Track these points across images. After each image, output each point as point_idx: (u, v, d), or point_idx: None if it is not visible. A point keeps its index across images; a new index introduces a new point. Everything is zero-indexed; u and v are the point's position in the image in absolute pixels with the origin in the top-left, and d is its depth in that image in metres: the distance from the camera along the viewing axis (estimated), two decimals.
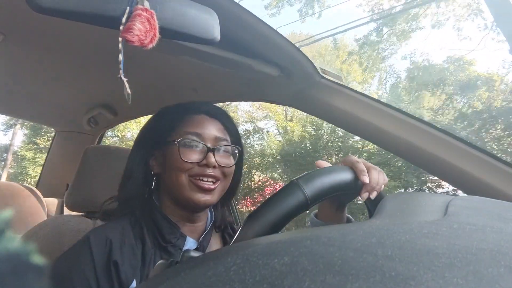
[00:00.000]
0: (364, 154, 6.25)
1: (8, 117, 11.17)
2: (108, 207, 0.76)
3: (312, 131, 7.50)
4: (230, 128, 0.76)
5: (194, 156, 0.68)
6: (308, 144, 7.30)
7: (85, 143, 1.64)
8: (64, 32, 0.82)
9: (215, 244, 0.76)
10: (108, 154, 1.01)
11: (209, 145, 0.69)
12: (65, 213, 1.43)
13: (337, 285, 0.18)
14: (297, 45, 0.84)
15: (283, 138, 8.38)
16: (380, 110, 0.84)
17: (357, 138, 6.85)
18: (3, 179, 10.30)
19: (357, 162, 0.56)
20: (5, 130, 12.19)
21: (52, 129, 1.89)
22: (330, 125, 7.35)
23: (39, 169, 9.78)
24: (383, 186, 0.58)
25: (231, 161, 0.72)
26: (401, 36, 9.32)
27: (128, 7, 0.40)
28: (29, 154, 10.47)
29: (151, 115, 0.80)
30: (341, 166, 0.56)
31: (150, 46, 0.41)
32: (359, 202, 0.59)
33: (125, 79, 0.42)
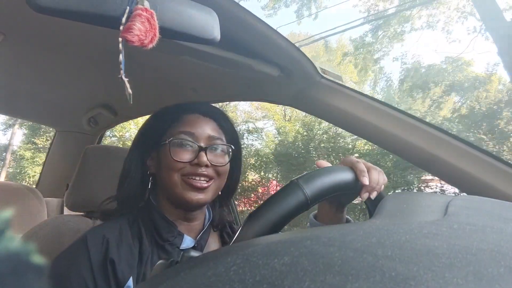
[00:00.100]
0: (355, 154, 6.28)
1: (7, 117, 11.18)
2: (107, 207, 0.77)
3: (304, 132, 7.53)
4: (226, 127, 0.76)
5: (185, 156, 0.68)
6: (300, 145, 7.34)
7: (85, 143, 1.64)
8: (64, 32, 0.82)
9: (213, 243, 0.77)
10: (108, 154, 1.01)
11: (202, 144, 0.69)
12: (65, 213, 1.43)
13: (337, 285, 0.18)
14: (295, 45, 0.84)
15: (280, 138, 8.39)
16: (380, 110, 0.84)
17: (347, 139, 6.92)
18: (2, 178, 10.30)
19: (357, 162, 0.56)
20: (4, 130, 12.21)
21: (51, 129, 1.90)
22: (322, 126, 7.44)
23: (37, 169, 9.81)
24: (383, 186, 0.58)
25: (225, 160, 0.72)
26: (393, 38, 9.31)
27: (128, 7, 0.40)
28: (28, 154, 10.47)
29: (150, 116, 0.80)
30: (341, 166, 0.56)
31: (150, 46, 0.41)
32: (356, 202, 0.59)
33: (125, 79, 0.42)
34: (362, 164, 0.56)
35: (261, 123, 10.49)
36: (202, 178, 0.69)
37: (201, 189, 0.68)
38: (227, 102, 7.70)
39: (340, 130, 7.22)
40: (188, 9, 0.46)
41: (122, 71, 0.41)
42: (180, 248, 0.69)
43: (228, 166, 0.74)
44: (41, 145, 10.56)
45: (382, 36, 9.19)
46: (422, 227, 0.27)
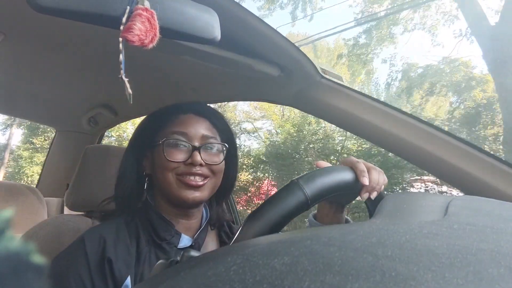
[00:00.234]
0: (344, 155, 6.33)
1: (5, 117, 11.21)
2: (106, 207, 0.77)
3: (294, 133, 7.59)
4: (219, 126, 0.76)
5: (179, 156, 0.69)
6: (289, 145, 7.39)
7: (85, 143, 1.64)
8: (65, 32, 0.82)
9: (210, 241, 0.77)
10: (108, 154, 1.01)
11: (195, 143, 0.70)
12: (65, 213, 1.43)
13: (337, 285, 0.18)
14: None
15: (279, 138, 8.43)
16: (381, 110, 0.84)
17: (336, 140, 6.97)
18: (0, 178, 10.30)
19: (357, 163, 0.57)
20: (3, 130, 12.21)
21: (49, 129, 1.90)
22: (312, 127, 7.50)
23: (35, 169, 9.82)
24: (383, 186, 0.58)
25: (219, 158, 0.73)
26: (381, 40, 9.29)
27: (128, 7, 0.40)
28: (26, 154, 10.48)
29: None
30: (341, 166, 0.56)
31: (151, 46, 0.41)
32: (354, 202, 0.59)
33: (126, 79, 0.42)
34: (362, 164, 0.56)
35: (259, 123, 10.52)
36: (197, 177, 0.69)
37: (196, 187, 0.69)
38: (226, 102, 7.72)
39: (329, 131, 7.34)
40: (189, 9, 0.46)
41: (122, 71, 0.41)
42: (178, 247, 0.70)
43: (223, 164, 0.74)
44: (39, 145, 10.57)
45: (376, 38, 9.17)
46: (422, 227, 0.27)
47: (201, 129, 0.72)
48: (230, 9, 0.67)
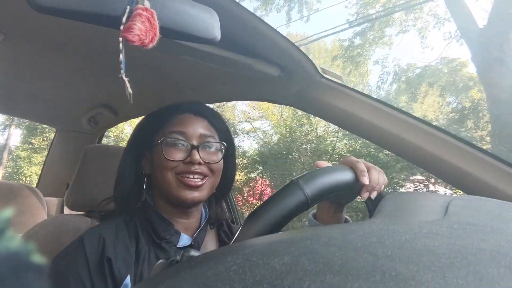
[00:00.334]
0: (335, 156, 6.38)
1: (4, 117, 11.23)
2: (106, 207, 0.78)
3: (287, 134, 7.64)
4: (217, 125, 0.77)
5: (178, 155, 0.69)
6: (282, 146, 7.45)
7: (85, 143, 1.64)
8: (65, 31, 0.82)
9: (210, 241, 0.77)
10: (108, 153, 1.01)
11: (194, 142, 0.70)
12: (65, 213, 1.43)
13: (337, 285, 0.18)
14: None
15: (278, 138, 8.49)
16: (381, 110, 0.84)
17: (328, 141, 7.02)
18: None
19: (357, 162, 0.57)
20: (2, 130, 12.22)
21: (48, 129, 1.90)
22: (304, 128, 7.55)
23: (34, 169, 9.83)
24: (383, 186, 0.58)
25: (218, 157, 0.73)
26: (373, 42, 9.27)
27: (128, 7, 0.40)
28: (24, 154, 10.48)
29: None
30: (341, 166, 0.56)
31: (151, 45, 0.41)
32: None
33: (126, 79, 0.42)
34: (362, 164, 0.56)
35: (258, 123, 10.53)
36: (196, 176, 0.69)
37: (195, 187, 0.69)
38: (224, 102, 7.75)
39: (320, 132, 7.38)
40: (189, 9, 0.46)
41: (122, 71, 0.41)
42: (177, 247, 0.70)
43: (221, 163, 0.74)
44: (38, 145, 10.58)
45: (372, 38, 9.16)
46: (422, 227, 0.27)
47: (199, 128, 0.72)
48: (230, 9, 0.67)
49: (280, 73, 0.88)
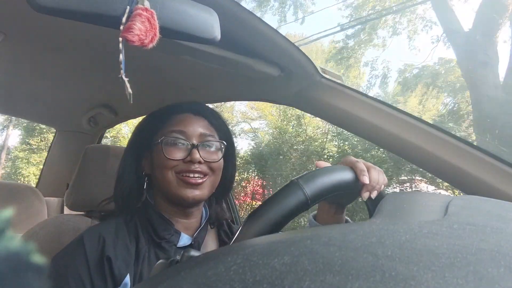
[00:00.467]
0: (324, 156, 6.45)
1: (2, 118, 11.25)
2: (106, 207, 0.78)
3: (278, 135, 7.70)
4: (217, 124, 0.77)
5: (178, 154, 0.69)
6: (272, 147, 7.52)
7: (85, 143, 1.64)
8: (65, 32, 0.82)
9: (210, 240, 0.77)
10: (108, 154, 1.01)
11: (194, 141, 0.71)
12: (65, 213, 1.43)
13: (337, 285, 0.18)
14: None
15: (268, 140, 8.55)
16: (381, 110, 0.84)
17: (316, 143, 7.11)
18: None
19: (357, 162, 0.57)
20: (0, 131, 12.23)
21: (46, 130, 1.90)
22: (294, 129, 7.64)
23: (31, 169, 9.84)
24: (383, 185, 0.58)
25: (218, 156, 0.73)
26: (361, 43, 9.27)
27: (128, 7, 0.40)
28: (22, 154, 10.49)
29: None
30: (341, 166, 0.56)
31: (150, 45, 0.41)
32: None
33: (126, 79, 0.42)
34: (361, 164, 0.56)
35: (257, 123, 10.55)
36: (197, 175, 0.69)
37: (196, 185, 0.69)
38: (223, 103, 7.79)
39: (310, 133, 7.47)
40: (189, 9, 0.46)
41: (122, 71, 0.41)
42: (177, 246, 0.70)
43: (221, 162, 0.74)
44: (36, 146, 10.59)
45: (363, 40, 9.17)
46: (422, 227, 0.27)
47: (199, 127, 0.73)
48: (230, 9, 0.67)
49: (280, 73, 0.88)
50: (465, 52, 5.70)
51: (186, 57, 0.81)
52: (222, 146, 0.75)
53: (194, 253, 0.35)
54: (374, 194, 0.57)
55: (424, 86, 7.93)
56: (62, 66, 1.06)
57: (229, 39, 0.74)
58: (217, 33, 0.49)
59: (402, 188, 5.40)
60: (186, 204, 0.71)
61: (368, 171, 0.56)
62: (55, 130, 1.85)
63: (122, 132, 9.21)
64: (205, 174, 0.70)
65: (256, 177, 7.61)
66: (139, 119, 0.83)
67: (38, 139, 10.65)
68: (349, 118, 0.88)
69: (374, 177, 0.56)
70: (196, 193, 0.69)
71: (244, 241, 0.28)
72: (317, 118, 7.53)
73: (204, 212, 0.78)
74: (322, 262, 0.20)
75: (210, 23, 0.48)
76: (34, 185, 1.69)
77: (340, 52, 9.37)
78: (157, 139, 0.71)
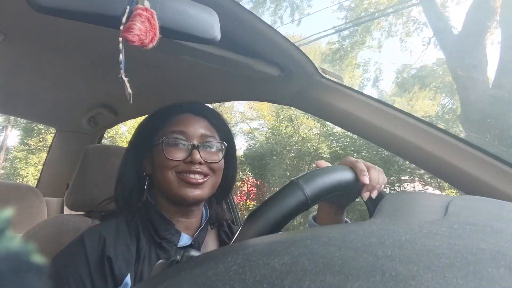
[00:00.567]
0: (317, 158, 6.50)
1: (1, 119, 11.25)
2: (106, 207, 0.78)
3: (273, 136, 7.74)
4: (218, 124, 0.77)
5: (178, 154, 0.69)
6: (265, 147, 7.62)
7: (85, 143, 1.64)
8: (65, 32, 0.82)
9: (210, 240, 0.77)
10: (108, 153, 1.01)
11: (194, 142, 0.71)
12: (65, 213, 1.43)
13: (337, 285, 0.18)
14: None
15: (261, 141, 8.60)
16: (381, 110, 0.84)
17: (309, 144, 7.16)
18: None
19: (357, 162, 0.57)
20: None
21: (44, 130, 1.90)
22: (288, 130, 7.69)
23: (30, 169, 9.84)
24: (383, 185, 0.58)
25: (218, 157, 0.73)
26: (354, 45, 9.29)
27: (128, 7, 0.40)
28: (21, 155, 10.49)
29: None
30: (341, 166, 0.56)
31: (150, 45, 0.41)
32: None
33: (126, 79, 0.42)
34: (361, 164, 0.56)
35: (256, 123, 10.55)
36: (197, 175, 0.70)
37: (196, 185, 0.69)
38: (222, 103, 7.82)
39: (303, 134, 7.53)
40: (189, 9, 0.46)
41: (122, 71, 0.41)
42: (178, 246, 0.70)
43: (222, 163, 0.75)
44: (34, 146, 10.59)
45: (356, 42, 9.18)
46: (422, 227, 0.27)
47: (199, 128, 0.73)
48: (230, 9, 0.67)
49: (280, 73, 0.88)
50: (454, 55, 5.75)
51: (186, 57, 0.81)
52: (223, 147, 0.75)
53: (194, 253, 0.35)
54: (374, 194, 0.57)
55: (421, 87, 7.95)
56: (62, 66, 1.06)
57: (229, 39, 0.74)
58: (217, 33, 0.49)
59: (393, 189, 5.42)
60: (186, 204, 0.71)
61: (368, 171, 0.56)
62: (54, 131, 1.85)
63: (120, 132, 9.21)
64: (205, 175, 0.71)
65: (251, 177, 7.67)
66: (138, 119, 0.83)
67: (36, 140, 10.65)
68: (349, 118, 0.88)
69: (374, 177, 0.56)
70: (196, 192, 0.69)
71: (244, 241, 0.28)
72: (310, 119, 7.59)
73: (204, 212, 0.78)
74: (322, 262, 0.20)
75: (210, 23, 0.48)
76: (33, 185, 1.70)
77: (336, 53, 9.40)
78: (158, 139, 0.71)
